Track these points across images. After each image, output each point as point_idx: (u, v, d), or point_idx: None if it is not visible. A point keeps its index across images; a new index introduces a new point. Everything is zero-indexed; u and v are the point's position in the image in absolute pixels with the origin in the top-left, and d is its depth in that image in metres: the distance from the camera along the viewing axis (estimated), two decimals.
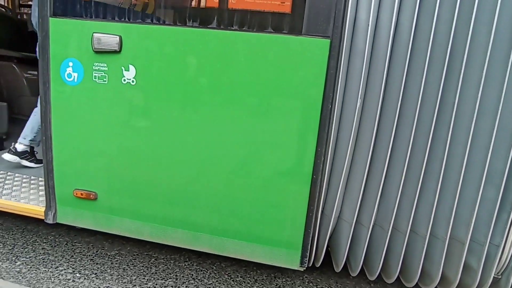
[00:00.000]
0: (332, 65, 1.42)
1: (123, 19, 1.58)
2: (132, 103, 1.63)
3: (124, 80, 1.61)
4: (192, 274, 1.90)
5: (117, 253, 2.06)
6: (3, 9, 3.46)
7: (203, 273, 1.93)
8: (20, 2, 4.42)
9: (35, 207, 1.88)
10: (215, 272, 1.94)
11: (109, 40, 1.58)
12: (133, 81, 1.61)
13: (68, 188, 1.78)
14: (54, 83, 1.68)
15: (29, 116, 2.28)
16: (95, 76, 1.64)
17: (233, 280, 1.87)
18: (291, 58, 1.46)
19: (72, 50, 1.64)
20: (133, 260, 2.00)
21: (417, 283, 1.65)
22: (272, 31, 1.47)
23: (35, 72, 2.68)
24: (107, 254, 2.04)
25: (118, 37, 1.57)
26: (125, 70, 1.61)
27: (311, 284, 1.91)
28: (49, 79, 1.68)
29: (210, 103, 1.57)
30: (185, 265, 1.99)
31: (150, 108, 1.63)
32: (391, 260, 1.62)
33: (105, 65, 1.62)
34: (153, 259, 2.02)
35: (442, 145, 1.44)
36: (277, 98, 1.51)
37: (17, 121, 2.60)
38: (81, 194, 1.76)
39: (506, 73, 1.32)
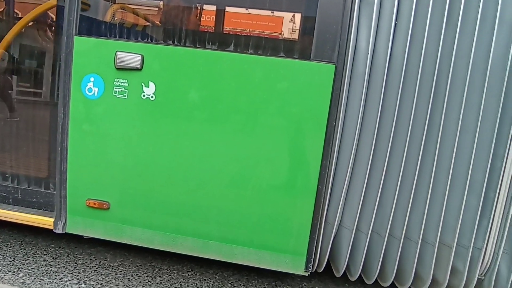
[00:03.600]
0: (337, 87, 1.62)
1: (145, 40, 1.73)
2: (150, 117, 1.75)
3: (144, 95, 1.73)
4: (196, 284, 1.96)
5: (120, 264, 2.09)
6: None
7: (207, 282, 1.98)
8: None
9: (43, 217, 1.91)
10: (218, 281, 2.00)
11: (132, 58, 1.71)
12: (152, 97, 1.73)
13: (81, 198, 1.84)
14: (74, 96, 1.78)
15: None
16: (115, 91, 1.75)
17: None
18: (300, 81, 1.65)
19: (94, 66, 1.76)
20: (137, 271, 2.04)
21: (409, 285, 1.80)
22: (284, 55, 1.65)
23: None
24: (110, 265, 2.07)
25: (140, 56, 1.71)
26: (145, 86, 1.73)
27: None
28: (69, 93, 1.78)
29: (223, 120, 1.71)
30: (188, 275, 2.04)
31: (167, 122, 1.75)
32: (387, 265, 1.77)
33: (126, 81, 1.74)
34: (156, 270, 2.06)
35: (431, 159, 1.64)
36: (288, 117, 1.68)
37: None
38: (94, 203, 1.82)
39: (482, 97, 1.56)
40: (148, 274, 2.01)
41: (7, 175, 2.01)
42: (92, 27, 1.76)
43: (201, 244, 1.80)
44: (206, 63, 1.69)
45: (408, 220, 1.69)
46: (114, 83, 1.75)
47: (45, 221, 1.90)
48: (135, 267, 2.07)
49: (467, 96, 1.58)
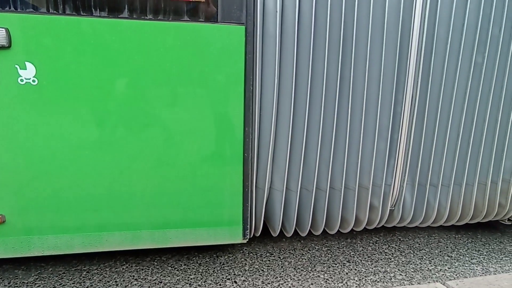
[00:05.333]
0: (249, 49, 1.54)
1: (8, 9, 1.35)
2: (36, 104, 1.44)
3: (22, 80, 1.40)
4: (133, 276, 1.83)
5: (37, 278, 1.80)
6: None
7: (145, 271, 1.87)
8: None
9: None
10: (157, 267, 1.91)
11: None
12: (34, 81, 1.41)
13: None
14: None
15: None
16: None
17: (177, 270, 1.88)
18: (209, 45, 1.51)
19: None
20: (60, 280, 1.78)
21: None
22: (188, 19, 1.48)
23: None
24: (23, 282, 1.76)
25: (4, 29, 1.34)
26: (20, 69, 1.39)
27: (251, 254, 2.06)
28: None
29: (130, 97, 1.50)
30: (123, 269, 1.88)
31: (60, 108, 1.46)
32: (317, 215, 1.89)
33: None
34: (84, 273, 1.84)
35: (345, 112, 1.73)
36: (201, 84, 1.55)
37: None
38: None
39: (382, 49, 1.67)
40: (75, 280, 1.79)
41: None
42: None
43: (131, 236, 1.65)
44: (96, 35, 1.42)
45: (331, 172, 1.81)
46: None
47: None
48: (57, 276, 1.82)
49: (370, 49, 1.67)
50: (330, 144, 1.75)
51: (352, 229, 2.06)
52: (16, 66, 1.39)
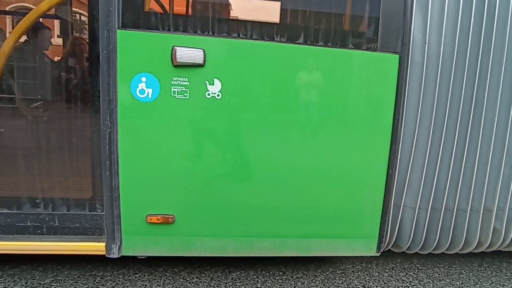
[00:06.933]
0: (401, 76, 1.69)
1: (206, 33, 1.56)
2: (217, 117, 1.61)
3: (209, 94, 1.58)
4: (146, 285, 1.81)
5: (53, 280, 1.80)
6: None
7: (157, 281, 1.85)
8: None
9: (90, 243, 1.64)
10: (169, 278, 1.88)
11: (193, 54, 1.53)
12: (218, 95, 1.59)
13: (139, 215, 1.62)
14: (122, 100, 1.53)
15: None
16: (174, 91, 1.56)
17: (189, 282, 1.85)
18: (367, 71, 1.68)
19: (145, 64, 1.53)
20: (74, 284, 1.78)
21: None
22: (352, 47, 1.66)
23: None
24: (40, 283, 1.77)
25: (202, 50, 1.54)
26: (209, 84, 1.58)
27: (264, 272, 1.99)
28: (116, 97, 1.52)
29: (295, 117, 1.66)
30: (136, 277, 1.88)
31: (236, 122, 1.63)
32: (442, 235, 1.96)
33: (186, 80, 1.56)
34: (98, 278, 1.85)
35: (476, 135, 1.84)
36: (357, 106, 1.70)
37: None
38: (157, 219, 1.63)
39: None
40: (89, 285, 1.78)
41: (37, 201, 1.65)
42: (139, 18, 1.52)
43: (279, 243, 1.76)
44: (274, 57, 1.60)
45: (459, 192, 1.89)
46: (172, 82, 1.55)
47: (93, 247, 1.64)
48: (72, 280, 1.81)
49: (504, 76, 1.80)
50: (460, 165, 1.85)
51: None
52: (206, 82, 1.57)
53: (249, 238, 1.73)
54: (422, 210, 1.89)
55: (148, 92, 1.55)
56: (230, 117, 1.62)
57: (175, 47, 1.52)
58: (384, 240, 1.84)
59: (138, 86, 1.54)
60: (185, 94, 1.57)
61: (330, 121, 1.69)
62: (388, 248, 2.00)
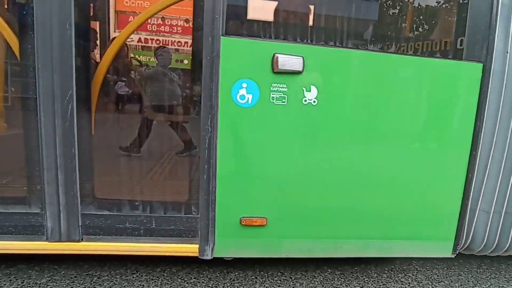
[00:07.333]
0: (484, 84, 1.75)
1: (305, 41, 1.60)
2: (312, 123, 1.65)
3: (305, 100, 1.62)
4: (143, 285, 1.78)
5: (49, 280, 1.77)
6: None
7: (155, 281, 1.81)
8: None
9: (184, 245, 1.68)
10: (167, 278, 1.85)
11: (293, 61, 1.57)
12: (314, 102, 1.63)
13: (233, 218, 1.66)
14: (223, 105, 1.57)
15: None
16: (272, 97, 1.59)
17: (187, 283, 1.82)
18: (453, 79, 1.73)
19: (246, 70, 1.56)
20: (71, 284, 1.75)
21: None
22: (439, 56, 1.71)
23: None
24: (36, 283, 1.74)
25: (301, 58, 1.58)
26: (306, 91, 1.62)
27: (262, 272, 1.96)
28: (217, 102, 1.56)
29: (383, 125, 1.71)
30: (133, 277, 1.83)
31: (329, 128, 1.67)
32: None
33: (285, 86, 1.59)
34: (95, 278, 1.81)
35: None
36: (443, 112, 1.76)
37: None
38: (252, 221, 1.66)
39: None
40: (86, 284, 1.75)
41: (136, 204, 1.68)
42: (242, 26, 1.55)
43: (361, 245, 1.81)
44: (367, 65, 1.65)
45: None
46: (271, 88, 1.59)
47: (186, 248, 1.67)
48: (68, 279, 1.78)
49: None
50: None
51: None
52: (303, 88, 1.61)
53: (335, 240, 1.78)
54: (496, 214, 1.96)
55: (248, 98, 1.58)
56: (325, 123, 1.66)
57: (276, 54, 1.55)
58: (460, 242, 1.91)
59: (239, 92, 1.57)
60: (283, 100, 1.60)
61: (417, 127, 1.75)
62: (462, 250, 2.06)
